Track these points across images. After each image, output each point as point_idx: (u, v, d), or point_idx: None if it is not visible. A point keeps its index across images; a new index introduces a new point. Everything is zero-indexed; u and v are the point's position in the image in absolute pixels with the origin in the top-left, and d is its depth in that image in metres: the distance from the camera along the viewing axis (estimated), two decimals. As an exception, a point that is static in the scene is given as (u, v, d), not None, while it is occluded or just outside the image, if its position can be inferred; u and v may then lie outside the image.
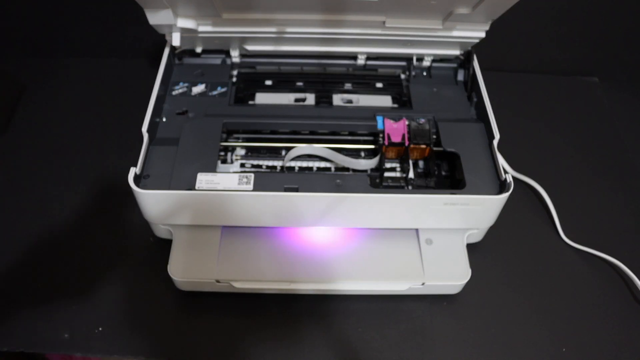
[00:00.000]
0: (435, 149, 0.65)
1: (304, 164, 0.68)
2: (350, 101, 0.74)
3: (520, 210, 0.75)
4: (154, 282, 0.65)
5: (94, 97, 0.87)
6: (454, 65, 0.75)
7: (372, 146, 0.68)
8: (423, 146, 0.65)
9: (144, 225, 0.66)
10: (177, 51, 0.73)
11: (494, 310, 0.65)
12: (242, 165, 0.66)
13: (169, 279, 0.61)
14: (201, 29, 0.66)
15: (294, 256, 0.63)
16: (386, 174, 0.67)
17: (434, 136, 0.66)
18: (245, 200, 0.58)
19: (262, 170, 0.66)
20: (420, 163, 0.68)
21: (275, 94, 0.74)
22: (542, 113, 0.89)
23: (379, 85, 0.76)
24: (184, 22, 0.64)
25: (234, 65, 0.76)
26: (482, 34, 0.66)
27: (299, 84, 0.75)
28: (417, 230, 0.65)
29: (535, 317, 0.65)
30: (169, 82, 0.72)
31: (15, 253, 0.68)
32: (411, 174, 0.64)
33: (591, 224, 0.74)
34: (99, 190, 0.74)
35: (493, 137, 0.63)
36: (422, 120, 0.67)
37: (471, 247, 0.66)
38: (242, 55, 0.75)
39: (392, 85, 0.76)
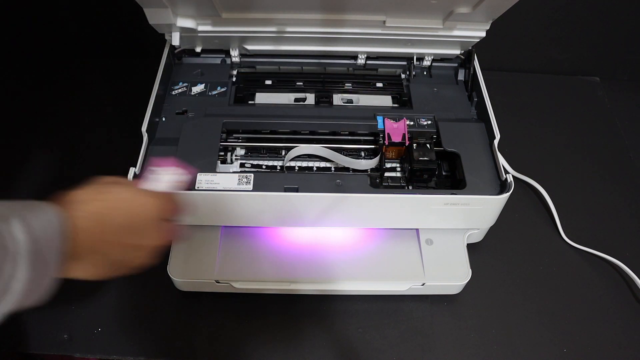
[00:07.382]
0: (435, 149, 0.65)
1: (304, 164, 0.67)
2: (350, 101, 0.73)
3: (521, 211, 0.74)
4: (153, 283, 0.65)
5: (93, 96, 0.87)
6: (455, 64, 0.75)
7: (372, 146, 0.68)
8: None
9: (144, 225, 0.65)
10: (176, 51, 0.73)
11: (494, 311, 0.65)
12: (242, 165, 0.66)
13: (169, 279, 0.61)
14: (201, 28, 0.65)
15: (294, 256, 0.63)
16: (386, 174, 0.67)
17: (435, 136, 0.66)
18: (245, 200, 0.58)
19: (262, 170, 0.66)
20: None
21: (275, 93, 0.74)
22: (543, 113, 0.88)
23: (379, 85, 0.76)
24: (184, 22, 0.64)
25: (233, 65, 0.75)
26: (483, 34, 0.66)
27: (299, 83, 0.75)
28: (417, 230, 0.65)
29: (536, 318, 0.65)
30: (168, 81, 0.72)
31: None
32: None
33: (592, 224, 0.74)
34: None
35: (494, 137, 0.63)
36: (423, 120, 0.67)
37: (471, 247, 0.65)
38: (241, 55, 0.75)
39: (393, 85, 0.75)
